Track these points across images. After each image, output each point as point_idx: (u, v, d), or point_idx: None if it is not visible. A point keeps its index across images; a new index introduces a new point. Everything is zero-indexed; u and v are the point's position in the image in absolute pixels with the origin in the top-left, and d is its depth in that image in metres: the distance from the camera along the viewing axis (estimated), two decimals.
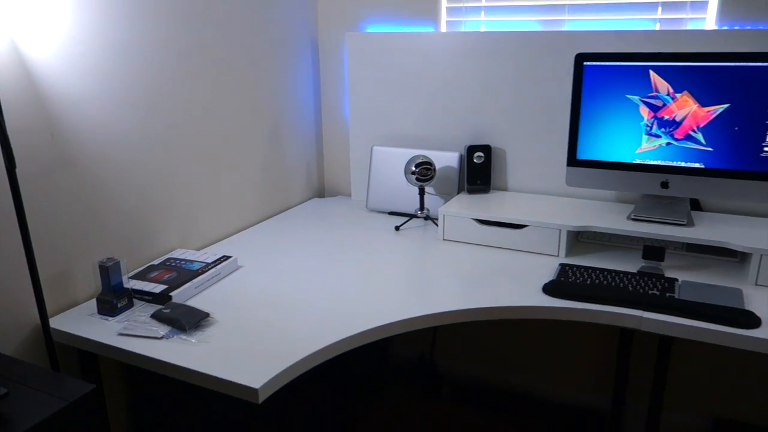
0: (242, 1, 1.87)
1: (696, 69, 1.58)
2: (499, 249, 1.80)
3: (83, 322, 1.36)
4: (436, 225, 1.99)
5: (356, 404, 2.07)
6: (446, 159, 2.06)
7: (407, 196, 2.10)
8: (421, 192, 1.98)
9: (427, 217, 2.03)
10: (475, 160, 2.00)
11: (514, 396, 2.29)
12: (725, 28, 1.71)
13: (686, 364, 1.99)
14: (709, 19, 1.74)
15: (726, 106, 1.58)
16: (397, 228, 1.98)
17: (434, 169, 1.94)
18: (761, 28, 1.66)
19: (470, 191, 2.04)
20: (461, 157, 2.06)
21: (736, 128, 1.58)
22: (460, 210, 1.85)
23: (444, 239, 1.88)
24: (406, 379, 2.43)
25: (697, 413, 2.02)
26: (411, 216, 2.08)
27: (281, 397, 1.54)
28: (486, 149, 2.00)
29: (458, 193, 2.06)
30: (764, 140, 1.56)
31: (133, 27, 1.51)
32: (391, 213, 2.14)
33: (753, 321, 1.33)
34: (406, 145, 2.18)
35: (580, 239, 1.85)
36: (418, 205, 2.05)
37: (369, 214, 2.15)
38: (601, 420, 2.15)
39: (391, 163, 2.12)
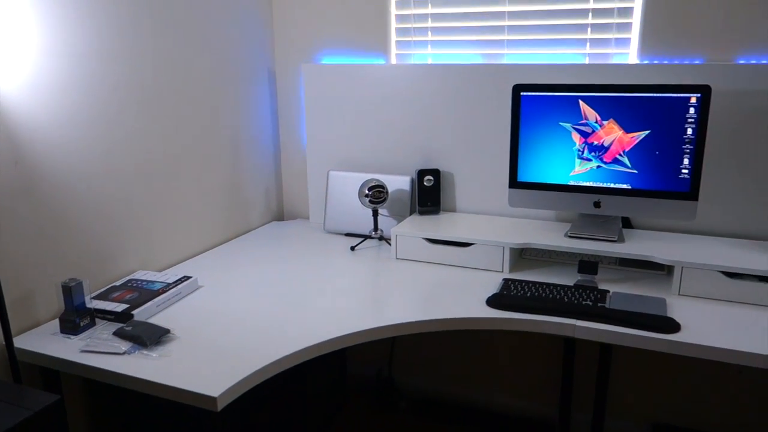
0: (202, 34, 1.97)
1: (620, 99, 1.74)
2: (448, 266, 1.91)
3: (46, 341, 1.41)
4: (390, 245, 2.10)
5: (316, 421, 2.13)
6: (398, 182, 2.18)
7: (362, 217, 2.20)
8: (375, 214, 2.09)
9: (381, 238, 2.13)
10: (425, 183, 2.12)
11: (468, 409, 2.38)
12: (646, 62, 1.88)
13: (626, 372, 2.13)
14: (631, 54, 1.92)
15: (647, 132, 1.74)
16: (352, 248, 2.08)
17: (386, 192, 2.05)
18: (677, 62, 1.84)
19: (421, 212, 2.16)
20: (412, 181, 2.18)
21: (657, 152, 1.74)
22: (411, 230, 1.96)
23: (397, 258, 1.99)
24: (365, 395, 2.50)
25: (637, 419, 2.16)
26: (366, 237, 2.18)
27: (242, 415, 1.61)
28: (435, 173, 2.12)
29: (410, 214, 2.18)
30: (681, 163, 1.72)
31: (97, 61, 1.59)
32: (348, 234, 2.24)
33: (673, 326, 1.47)
34: (360, 170, 2.29)
35: (523, 256, 1.98)
36: (372, 227, 2.15)
37: (326, 236, 2.24)
38: (551, 429, 2.26)
39: (347, 186, 2.23)
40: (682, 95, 1.68)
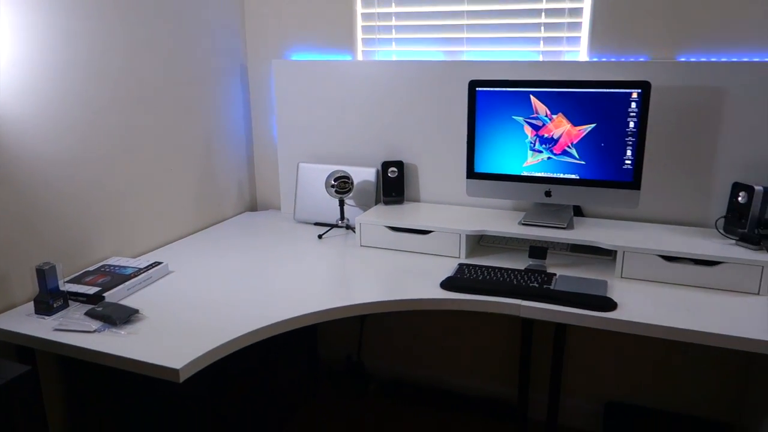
0: (175, 29, 2.06)
1: (568, 94, 1.85)
2: (409, 253, 2.02)
3: (22, 321, 1.50)
4: (355, 233, 2.20)
5: (289, 405, 2.23)
6: (364, 174, 2.28)
7: (330, 207, 2.30)
8: (341, 203, 2.19)
9: (347, 227, 2.23)
10: (389, 175, 2.22)
11: (434, 390, 2.49)
12: (594, 59, 2.00)
13: (581, 354, 2.25)
14: (582, 52, 2.03)
15: (593, 125, 1.85)
16: (320, 236, 2.18)
17: (351, 183, 2.15)
18: (623, 60, 1.96)
19: (386, 203, 2.26)
20: (378, 172, 2.28)
21: (603, 144, 1.86)
22: (375, 219, 2.06)
23: (361, 245, 2.09)
24: (336, 379, 2.60)
25: (592, 398, 2.28)
26: (333, 226, 2.28)
27: (213, 398, 1.70)
28: (399, 165, 2.23)
29: (376, 204, 2.28)
30: (625, 154, 1.84)
31: (70, 52, 1.67)
32: (317, 224, 2.33)
33: (610, 305, 1.58)
34: (328, 162, 2.39)
35: (481, 243, 2.09)
36: (339, 216, 2.25)
37: (296, 225, 2.34)
38: (513, 409, 2.38)
39: (316, 178, 2.33)
40: (624, 91, 1.80)
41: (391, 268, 1.88)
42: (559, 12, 2.03)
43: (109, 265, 1.79)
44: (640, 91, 1.78)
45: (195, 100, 2.20)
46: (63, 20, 1.65)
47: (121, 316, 1.48)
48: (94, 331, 1.44)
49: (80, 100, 1.72)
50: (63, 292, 1.57)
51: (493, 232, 1.93)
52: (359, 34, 2.30)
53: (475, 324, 2.38)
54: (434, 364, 2.49)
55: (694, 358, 2.11)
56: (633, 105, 1.79)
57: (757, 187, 1.77)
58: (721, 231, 1.88)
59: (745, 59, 1.85)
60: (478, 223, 2.00)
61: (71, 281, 1.67)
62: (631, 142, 1.82)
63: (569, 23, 2.03)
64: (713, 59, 1.88)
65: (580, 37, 2.02)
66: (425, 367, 2.51)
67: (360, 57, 2.32)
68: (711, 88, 1.87)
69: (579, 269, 1.85)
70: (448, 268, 1.87)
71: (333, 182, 2.13)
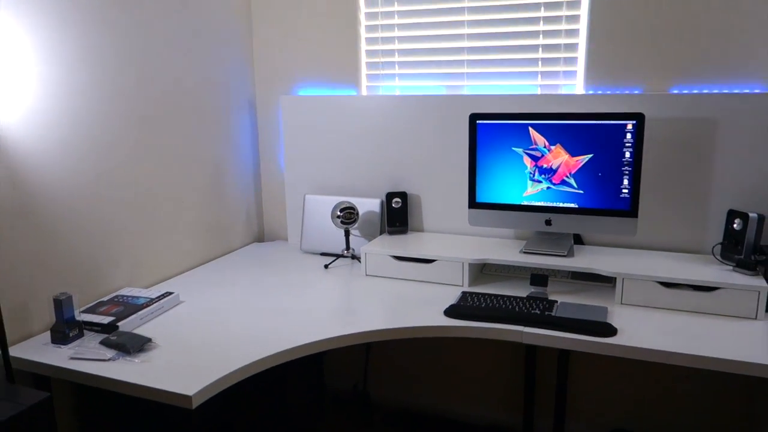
0: (188, 68, 2.15)
1: (565, 126, 1.92)
2: (414, 281, 2.06)
3: (39, 350, 1.55)
4: (360, 262, 2.25)
5: None
6: (369, 204, 2.34)
7: (336, 238, 2.36)
8: (347, 234, 2.25)
9: (353, 256, 2.29)
10: (393, 205, 2.28)
11: (439, 419, 2.51)
12: (590, 92, 2.07)
13: (586, 380, 2.27)
14: (578, 85, 2.11)
15: (591, 156, 1.91)
16: (326, 266, 2.23)
17: (357, 213, 2.21)
18: (618, 93, 2.03)
19: (390, 232, 2.31)
20: (382, 203, 2.35)
21: (600, 174, 1.91)
22: (380, 249, 2.11)
23: (367, 274, 2.13)
24: (342, 408, 2.62)
25: (597, 424, 2.29)
26: (339, 255, 2.33)
27: (222, 427, 1.73)
28: (403, 195, 2.29)
29: (380, 234, 2.33)
30: (622, 183, 1.90)
31: (89, 95, 1.76)
32: (323, 254, 2.39)
33: (610, 331, 1.62)
34: (334, 193, 2.46)
35: (483, 271, 2.13)
36: (345, 246, 2.30)
37: (303, 255, 2.39)
38: None
39: (322, 209, 2.39)
40: (619, 122, 1.86)
41: (396, 297, 1.92)
42: (555, 47, 2.12)
43: (122, 296, 1.84)
44: (634, 122, 1.84)
45: (205, 133, 2.28)
46: (83, 64, 1.73)
47: (134, 345, 1.53)
48: (109, 360, 1.49)
49: (96, 138, 1.80)
50: (79, 321, 1.62)
51: (495, 260, 1.98)
52: (363, 70, 2.39)
53: (480, 352, 2.41)
54: (439, 393, 2.51)
55: (698, 384, 2.13)
56: (628, 136, 1.86)
57: (751, 214, 1.82)
58: (718, 257, 1.93)
59: (736, 91, 1.92)
60: (481, 251, 2.05)
61: (86, 311, 1.72)
62: (627, 172, 1.88)
63: (565, 58, 2.11)
64: (704, 91, 1.95)
65: (576, 71, 2.10)
66: (430, 395, 2.53)
67: (364, 92, 2.41)
68: (703, 119, 1.94)
69: (580, 296, 1.89)
70: (451, 296, 1.92)
71: (339, 213, 2.19)
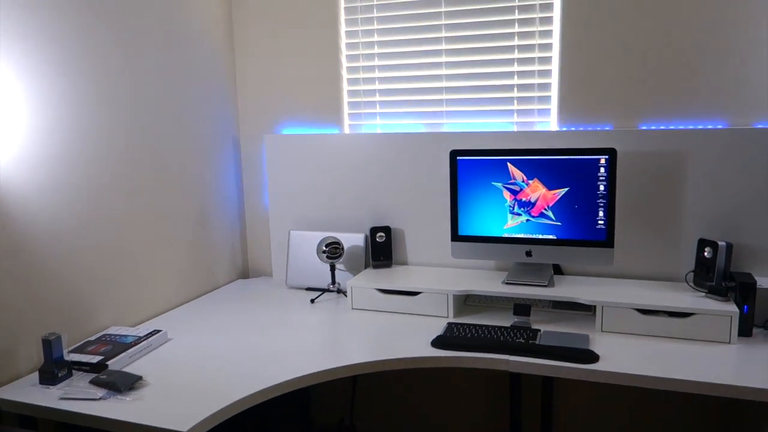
0: (173, 108, 2.19)
1: (542, 161, 2.01)
2: (399, 314, 2.10)
3: (27, 391, 1.54)
4: (346, 296, 2.28)
5: None
6: (353, 239, 2.38)
7: (321, 272, 2.39)
8: (332, 268, 2.28)
9: (338, 291, 2.32)
10: (377, 239, 2.33)
11: None
12: (564, 129, 2.17)
13: (569, 408, 2.31)
14: (552, 122, 2.21)
15: (567, 189, 2.00)
16: (312, 301, 2.25)
17: (342, 248, 2.25)
18: (590, 129, 2.13)
19: (375, 266, 2.35)
20: (366, 237, 2.39)
21: (576, 206, 2.00)
22: (365, 282, 2.15)
23: (353, 308, 2.16)
24: None
25: None
26: (324, 290, 2.36)
27: None
28: (386, 230, 2.34)
29: (365, 268, 2.37)
30: (597, 215, 1.98)
31: (77, 137, 1.79)
32: (308, 288, 2.41)
33: (592, 357, 1.67)
34: (318, 229, 2.50)
35: (467, 303, 2.18)
36: (330, 280, 2.33)
37: (288, 291, 2.41)
38: None
39: (307, 244, 2.42)
40: (592, 157, 1.95)
41: (383, 329, 1.95)
42: (529, 87, 2.22)
43: (110, 335, 1.84)
44: (607, 157, 1.94)
45: (190, 171, 2.31)
46: (71, 107, 1.77)
47: (125, 383, 1.53)
48: (100, 399, 1.49)
49: (82, 179, 1.82)
50: (67, 361, 1.61)
51: (478, 291, 2.03)
52: (345, 109, 2.46)
53: (464, 383, 2.44)
54: (426, 424, 2.52)
55: (678, 408, 2.18)
56: (602, 170, 1.95)
57: (720, 243, 1.91)
58: (691, 284, 2.01)
59: (700, 126, 2.04)
60: (464, 283, 2.10)
61: (74, 351, 1.71)
62: (602, 204, 1.97)
63: (539, 97, 2.21)
64: (671, 127, 2.06)
65: (550, 109, 2.20)
66: (417, 427, 2.54)
67: (347, 130, 2.48)
68: (672, 153, 2.04)
69: (562, 324, 1.95)
70: (437, 327, 1.96)
71: (324, 248, 2.23)
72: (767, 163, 1.96)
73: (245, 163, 2.63)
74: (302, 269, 2.42)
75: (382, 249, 2.34)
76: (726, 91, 2.00)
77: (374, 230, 2.34)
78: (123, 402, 1.47)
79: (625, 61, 2.08)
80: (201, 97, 2.35)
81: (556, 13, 2.14)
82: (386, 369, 1.73)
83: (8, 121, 1.57)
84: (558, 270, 2.23)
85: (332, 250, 2.23)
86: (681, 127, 2.06)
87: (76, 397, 1.49)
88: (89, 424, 1.42)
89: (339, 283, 2.33)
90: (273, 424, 2.18)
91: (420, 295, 2.08)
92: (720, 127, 2.02)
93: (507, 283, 2.06)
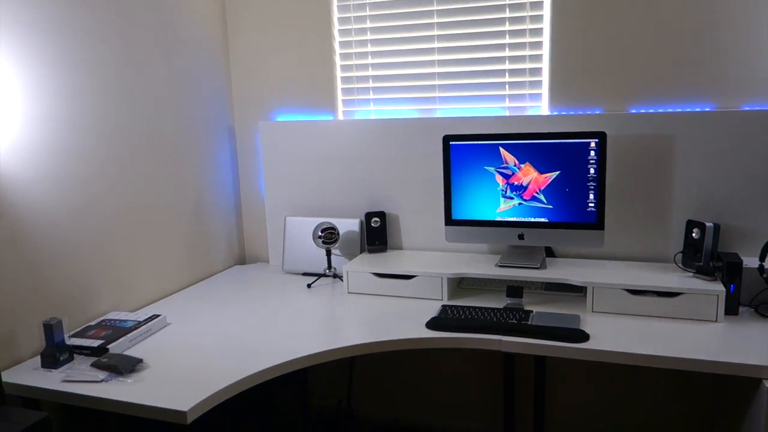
0: (168, 96, 2.21)
1: (533, 145, 2.04)
2: (395, 297, 2.14)
3: (30, 375, 1.57)
4: (342, 281, 2.31)
5: None
6: (349, 225, 2.41)
7: (317, 258, 2.42)
8: (328, 253, 2.31)
9: (334, 275, 2.35)
10: (372, 225, 2.36)
11: (424, 431, 2.57)
12: (555, 113, 2.20)
13: (562, 388, 2.36)
14: (543, 107, 2.23)
15: (558, 172, 2.03)
16: (309, 286, 2.29)
17: (338, 233, 2.28)
18: (580, 113, 2.16)
19: (370, 251, 2.39)
20: (361, 222, 2.42)
21: (567, 189, 2.03)
22: (361, 267, 2.18)
23: (349, 292, 2.20)
24: (327, 426, 2.66)
25: (575, 431, 2.38)
26: (320, 275, 2.40)
27: None
28: (381, 215, 2.37)
29: (361, 253, 2.41)
30: (588, 198, 2.01)
31: (73, 124, 1.81)
32: (305, 274, 2.45)
33: (583, 336, 1.71)
34: (314, 214, 2.53)
35: (461, 285, 2.22)
36: (326, 265, 2.37)
37: (285, 276, 2.44)
38: None
39: (302, 230, 2.45)
40: (583, 141, 1.98)
41: (378, 313, 1.99)
42: (521, 72, 2.24)
43: (110, 320, 1.87)
44: (597, 140, 1.97)
45: (186, 159, 2.33)
46: (66, 95, 1.79)
47: (126, 366, 1.57)
48: (102, 381, 1.52)
49: (80, 166, 1.84)
50: (68, 345, 1.64)
51: (472, 274, 2.07)
52: (339, 96, 2.48)
53: (460, 365, 2.48)
54: (423, 406, 2.57)
55: (671, 389, 2.23)
56: (592, 153, 1.98)
57: (707, 224, 1.95)
58: (680, 265, 2.05)
59: (688, 109, 2.07)
60: (458, 266, 2.14)
61: (74, 335, 1.74)
62: (592, 187, 2.00)
63: (530, 81, 2.24)
64: (660, 110, 2.09)
65: (541, 94, 2.23)
66: (415, 409, 2.59)
67: (341, 116, 2.50)
68: (660, 136, 2.07)
69: (553, 305, 1.99)
70: (431, 309, 1.99)
71: (320, 233, 2.26)
72: (754, 145, 2.00)
73: (241, 151, 2.65)
74: (298, 255, 2.45)
75: (377, 234, 2.37)
76: (714, 74, 2.03)
77: (369, 215, 2.37)
78: (124, 384, 1.51)
79: (614, 46, 2.11)
80: (195, 85, 2.37)
81: (547, 0, 2.16)
82: (382, 350, 1.77)
83: (5, 111, 1.59)
84: (550, 253, 2.27)
85: (328, 236, 2.26)
86: (670, 110, 2.09)
87: (78, 379, 1.52)
88: (92, 406, 1.46)
89: (335, 268, 2.36)
90: (272, 408, 2.22)
91: (415, 278, 2.11)
92: (708, 109, 2.05)
93: (500, 266, 2.10)
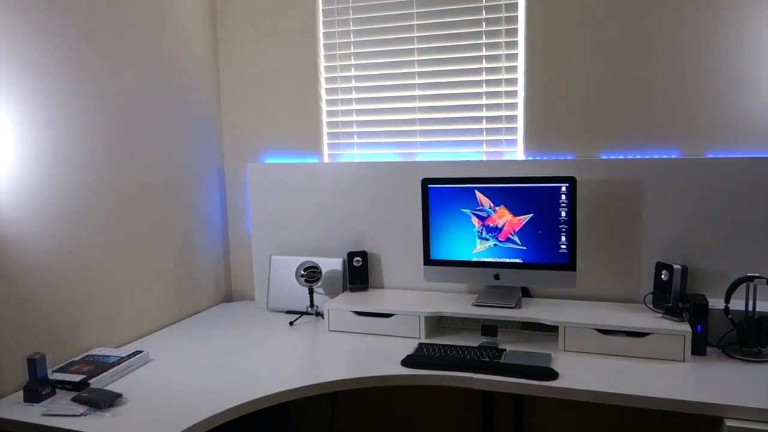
0: (159, 136, 2.31)
1: (507, 189, 2.12)
2: (374, 335, 2.19)
3: (11, 409, 1.61)
4: (323, 318, 2.36)
5: None
6: (332, 264, 2.48)
7: (301, 296, 2.48)
8: (311, 292, 2.37)
9: (317, 313, 2.41)
10: (354, 264, 2.43)
11: None
12: (530, 158, 2.29)
13: (541, 425, 2.38)
14: (519, 152, 2.33)
15: (531, 215, 2.11)
16: (291, 323, 2.34)
17: (320, 272, 2.35)
18: (554, 158, 2.25)
19: (352, 290, 2.45)
20: (344, 262, 2.49)
21: (540, 231, 2.11)
22: (342, 305, 2.24)
23: (330, 330, 2.25)
24: None
25: None
26: (303, 313, 2.45)
27: None
28: (363, 255, 2.44)
29: (343, 291, 2.47)
30: (560, 240, 2.09)
31: (62, 162, 1.89)
32: (288, 311, 2.50)
33: (551, 375, 1.76)
34: (298, 254, 2.60)
35: (440, 324, 2.27)
36: (309, 304, 2.42)
37: (269, 314, 2.50)
38: None
39: (287, 268, 2.52)
40: (554, 185, 2.07)
41: (358, 350, 2.04)
42: (497, 119, 2.35)
43: (93, 355, 1.92)
44: (567, 185, 2.05)
45: (175, 198, 2.41)
46: (56, 132, 1.88)
47: (105, 400, 1.61)
48: (81, 415, 1.56)
49: (68, 204, 1.92)
50: (51, 380, 1.69)
51: (449, 313, 2.13)
52: (325, 140, 2.58)
53: (441, 401, 2.51)
54: None
55: (642, 426, 2.26)
56: (563, 197, 2.06)
57: (675, 266, 2.02)
58: (650, 306, 2.11)
59: (656, 156, 2.16)
60: (436, 305, 2.20)
61: (58, 370, 1.79)
62: (564, 229, 2.08)
63: (507, 128, 2.34)
64: (630, 156, 2.19)
65: (516, 140, 2.33)
66: None
67: (326, 159, 2.60)
68: (629, 181, 2.16)
69: (527, 344, 2.04)
70: (408, 347, 2.04)
71: (303, 272, 2.33)
72: (717, 190, 2.08)
73: (229, 191, 2.74)
74: (282, 293, 2.51)
75: (358, 273, 2.44)
76: (679, 123, 2.14)
77: (351, 255, 2.44)
78: (103, 418, 1.55)
79: (586, 95, 2.22)
80: (188, 128, 2.47)
81: (521, 50, 2.28)
82: (359, 387, 1.82)
83: None
84: (527, 293, 2.33)
85: (310, 274, 2.33)
86: (638, 156, 2.18)
87: (58, 413, 1.57)
88: None
89: (317, 306, 2.42)
90: None
91: (393, 316, 2.17)
92: (674, 156, 2.14)
93: (476, 305, 2.16)
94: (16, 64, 1.73)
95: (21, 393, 1.69)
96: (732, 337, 1.94)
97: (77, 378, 1.73)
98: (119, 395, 1.65)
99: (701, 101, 2.11)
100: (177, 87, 2.41)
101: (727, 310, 1.90)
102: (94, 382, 1.72)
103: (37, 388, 1.64)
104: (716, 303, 1.99)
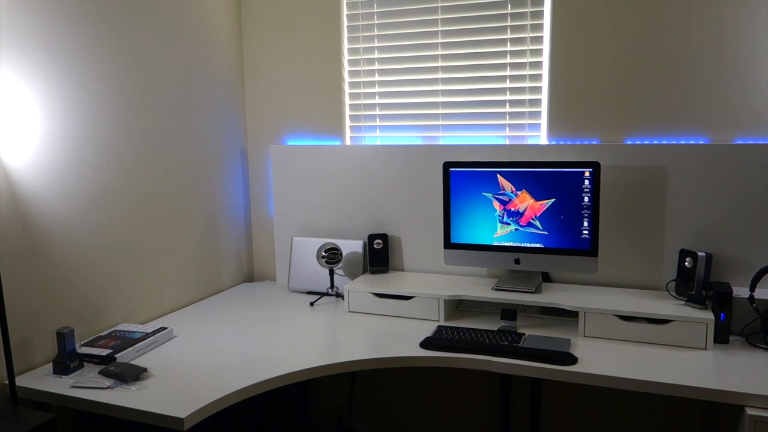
0: (184, 120, 2.33)
1: (530, 173, 2.11)
2: (393, 317, 2.21)
3: (41, 380, 1.67)
4: (343, 300, 2.39)
5: None
6: (352, 246, 2.50)
7: (321, 277, 2.50)
8: (331, 273, 2.40)
9: (337, 294, 2.43)
10: (375, 246, 2.44)
11: None
12: (553, 143, 2.27)
13: (558, 411, 2.39)
14: (542, 137, 2.31)
15: (553, 200, 2.09)
16: (311, 304, 2.37)
17: (341, 254, 2.37)
18: (578, 143, 2.23)
19: (372, 272, 2.46)
20: (364, 244, 2.51)
21: (562, 216, 2.09)
22: (362, 287, 2.26)
23: (350, 311, 2.27)
24: None
25: None
26: (323, 294, 2.48)
27: None
28: (384, 237, 2.45)
29: (363, 273, 2.48)
30: (582, 225, 2.07)
31: (92, 143, 1.93)
32: (309, 292, 2.53)
33: (571, 360, 1.76)
34: (319, 235, 2.62)
35: (459, 308, 2.28)
36: (329, 285, 2.45)
37: (290, 294, 2.53)
38: None
39: (308, 250, 2.54)
40: (578, 170, 2.05)
41: (377, 331, 2.06)
42: (521, 102, 2.33)
43: (119, 331, 1.97)
44: (591, 170, 2.03)
45: (200, 180, 2.45)
46: (84, 116, 1.91)
47: (131, 374, 1.65)
48: (107, 388, 1.61)
49: (96, 184, 1.96)
50: (79, 354, 1.74)
51: (468, 296, 2.13)
52: (347, 122, 2.59)
53: (460, 385, 2.53)
54: (424, 425, 2.61)
55: (664, 414, 2.26)
56: (586, 182, 2.04)
57: (700, 253, 1.99)
58: (673, 293, 2.09)
59: (682, 142, 2.13)
60: (456, 289, 2.20)
61: (85, 345, 1.84)
62: (587, 215, 2.06)
63: (530, 112, 2.32)
64: (655, 142, 2.15)
65: (540, 124, 2.31)
66: (416, 428, 2.63)
67: (348, 142, 2.60)
68: (654, 167, 2.13)
69: (546, 329, 2.04)
70: (427, 329, 2.06)
71: (324, 253, 2.35)
72: (746, 177, 2.05)
73: (252, 173, 2.77)
74: (304, 274, 2.54)
75: (379, 255, 2.45)
76: (708, 107, 2.09)
77: (372, 237, 2.45)
78: (128, 391, 1.59)
79: (611, 79, 2.18)
80: (212, 111, 2.50)
81: (546, 33, 2.24)
82: (376, 367, 1.84)
83: (22, 128, 1.72)
84: (547, 278, 2.32)
85: (331, 256, 2.35)
86: (664, 142, 2.15)
87: (86, 385, 1.62)
88: (97, 411, 1.55)
89: (338, 287, 2.44)
90: (273, 425, 2.28)
91: (413, 299, 2.18)
92: (701, 142, 2.10)
93: (496, 290, 2.16)
94: (42, 45, 1.76)
95: (50, 365, 1.75)
96: (756, 326, 1.92)
97: (104, 352, 1.78)
98: (144, 369, 1.69)
99: (730, 85, 2.06)
100: (202, 71, 2.43)
101: (752, 298, 1.88)
102: (120, 357, 1.77)
103: (66, 361, 1.69)
104: (741, 291, 1.97)
